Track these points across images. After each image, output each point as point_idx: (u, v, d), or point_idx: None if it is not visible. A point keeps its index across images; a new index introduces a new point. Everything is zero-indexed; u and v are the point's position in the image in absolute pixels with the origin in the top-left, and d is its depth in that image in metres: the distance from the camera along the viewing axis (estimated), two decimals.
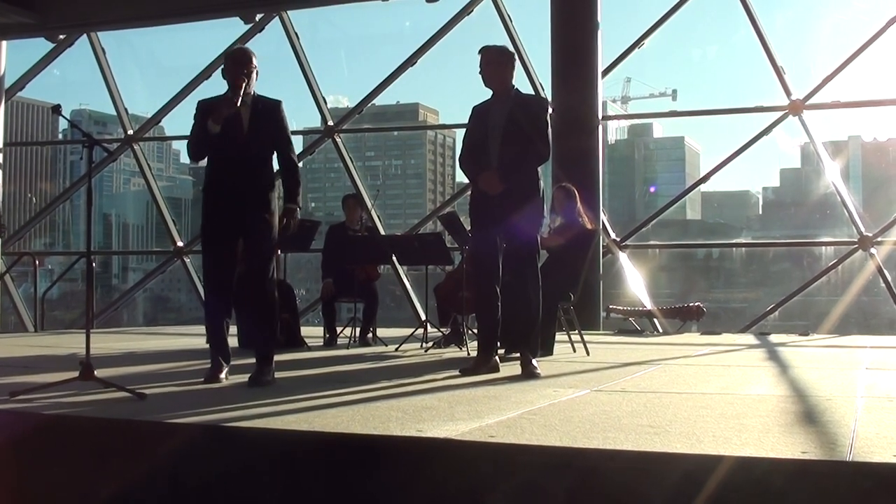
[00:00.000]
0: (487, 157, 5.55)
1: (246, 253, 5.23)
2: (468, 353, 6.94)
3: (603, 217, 11.18)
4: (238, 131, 5.08)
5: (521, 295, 5.51)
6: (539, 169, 5.64)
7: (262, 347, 5.19)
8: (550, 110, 5.71)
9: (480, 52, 5.66)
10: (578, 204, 7.26)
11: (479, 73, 5.65)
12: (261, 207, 5.13)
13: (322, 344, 8.27)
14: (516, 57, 5.81)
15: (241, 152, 5.10)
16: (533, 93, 11.94)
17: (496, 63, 5.62)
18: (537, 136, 5.48)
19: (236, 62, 5.17)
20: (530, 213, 5.53)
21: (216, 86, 13.63)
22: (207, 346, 5.43)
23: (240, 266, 6.82)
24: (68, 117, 5.21)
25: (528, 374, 5.34)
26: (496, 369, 5.53)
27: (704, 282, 27.06)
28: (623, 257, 11.69)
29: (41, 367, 6.10)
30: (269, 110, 5.21)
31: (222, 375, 5.18)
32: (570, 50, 11.09)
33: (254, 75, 5.17)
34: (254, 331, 5.49)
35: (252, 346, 5.51)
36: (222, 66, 5.26)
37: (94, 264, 8.66)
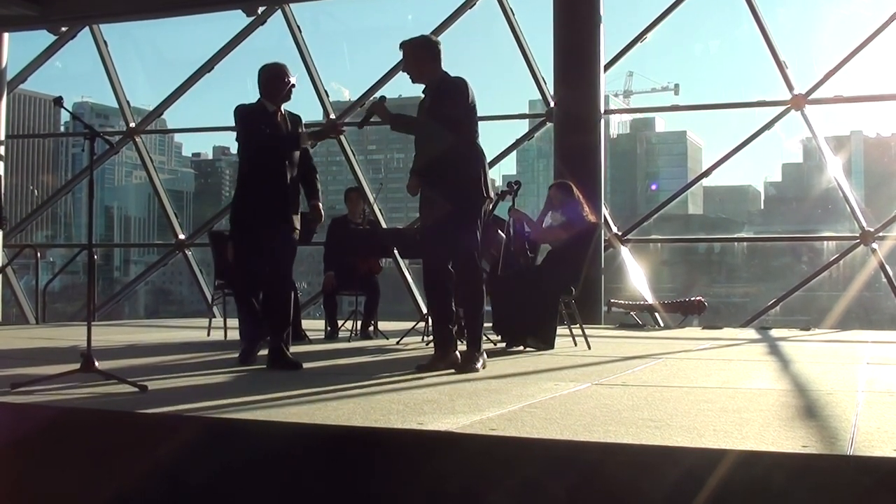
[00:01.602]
0: (423, 163, 5.44)
1: (274, 249, 5.68)
2: None
3: (605, 211, 11.18)
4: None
5: (465, 294, 5.48)
6: (475, 160, 5.42)
7: (280, 337, 5.62)
8: (472, 94, 5.39)
9: (400, 47, 5.49)
10: (579, 198, 7.26)
11: (403, 69, 5.55)
12: (294, 209, 5.70)
13: (323, 337, 8.28)
14: (438, 45, 5.50)
15: (283, 158, 5.63)
16: (538, 91, 11.97)
17: (411, 57, 5.47)
18: (438, 109, 5.32)
19: (283, 77, 5.69)
20: (462, 210, 5.34)
21: (218, 79, 13.65)
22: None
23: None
24: (70, 109, 5.27)
25: (465, 369, 5.18)
26: (455, 365, 5.37)
27: (706, 276, 26.98)
28: (625, 251, 11.69)
29: (42, 358, 6.11)
30: (296, 123, 5.81)
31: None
32: (573, 44, 11.08)
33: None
34: (275, 320, 5.74)
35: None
36: (261, 78, 5.70)
37: (95, 257, 8.67)
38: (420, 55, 5.44)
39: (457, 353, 5.48)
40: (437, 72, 5.44)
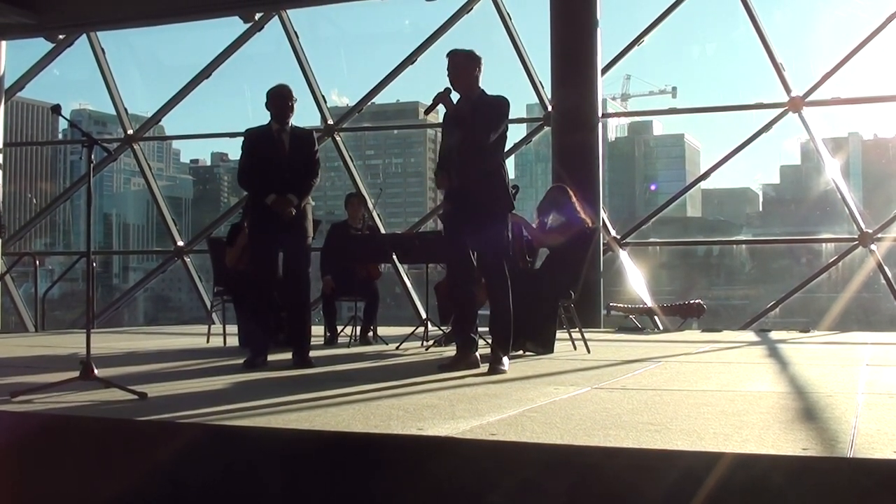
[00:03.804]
0: (452, 165, 5.67)
1: (287, 256, 6.15)
2: None
3: (603, 215, 11.18)
4: (279, 153, 6.09)
5: (490, 297, 5.75)
6: (503, 170, 5.76)
7: (302, 333, 6.15)
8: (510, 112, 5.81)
9: (448, 55, 5.74)
10: (574, 200, 7.25)
11: (447, 76, 5.71)
12: (298, 218, 6.08)
13: (322, 343, 8.26)
14: (482, 60, 5.80)
15: (281, 173, 6.03)
16: (535, 95, 11.99)
17: (461, 67, 5.69)
18: (478, 124, 5.57)
19: (283, 97, 6.15)
20: (493, 217, 5.66)
21: (216, 86, 13.67)
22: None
23: (239, 267, 7.29)
24: (68, 117, 5.25)
25: (493, 370, 5.41)
26: (476, 365, 5.61)
27: (705, 279, 27.00)
28: (623, 255, 11.69)
29: (42, 367, 6.11)
30: (303, 139, 6.24)
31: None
32: (570, 48, 11.08)
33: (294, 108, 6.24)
34: (293, 320, 6.35)
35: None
36: (266, 100, 6.17)
37: (94, 264, 8.69)
38: (470, 67, 5.71)
39: (476, 355, 5.66)
40: (477, 86, 5.74)
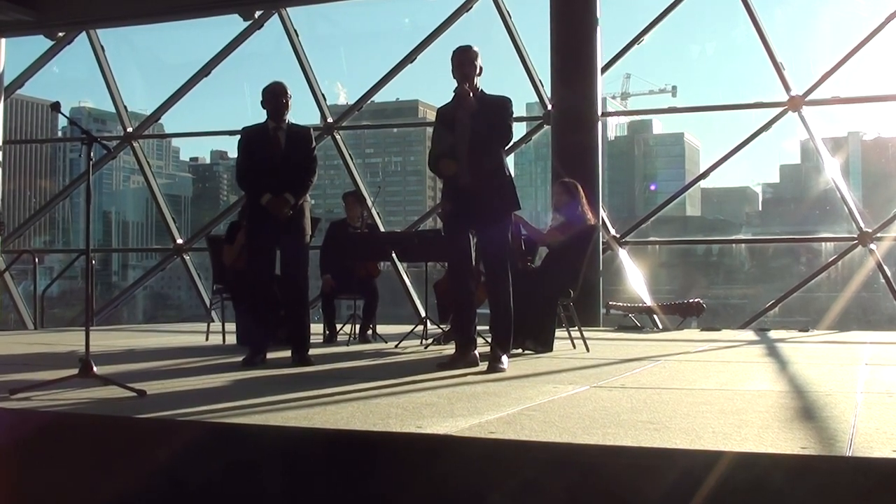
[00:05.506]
0: (461, 162, 5.64)
1: (285, 255, 6.18)
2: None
3: (603, 213, 11.17)
4: (276, 151, 6.10)
5: (492, 295, 5.76)
6: (508, 165, 5.79)
7: (300, 332, 6.17)
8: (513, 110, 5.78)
9: (461, 51, 5.67)
10: (582, 199, 7.20)
11: (465, 73, 5.62)
12: (296, 217, 6.07)
13: (322, 341, 8.26)
14: None
15: (277, 171, 6.03)
16: (535, 93, 12.01)
17: (473, 64, 5.66)
18: (498, 127, 5.60)
19: (279, 95, 6.15)
20: (500, 215, 5.67)
21: (215, 83, 13.65)
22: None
23: (237, 266, 7.30)
24: (68, 115, 5.26)
25: (492, 369, 5.42)
26: (475, 364, 5.61)
27: (704, 278, 27.00)
28: (623, 254, 11.69)
29: (41, 364, 6.10)
30: (300, 137, 6.23)
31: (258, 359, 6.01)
32: (570, 46, 11.08)
33: (290, 104, 6.22)
34: (292, 318, 6.30)
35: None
36: (262, 98, 6.18)
37: (93, 262, 8.70)
38: (476, 65, 5.69)
39: (475, 353, 5.67)
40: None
